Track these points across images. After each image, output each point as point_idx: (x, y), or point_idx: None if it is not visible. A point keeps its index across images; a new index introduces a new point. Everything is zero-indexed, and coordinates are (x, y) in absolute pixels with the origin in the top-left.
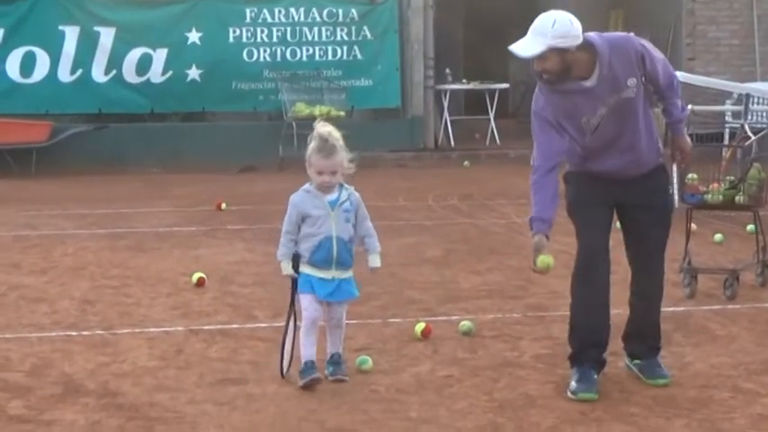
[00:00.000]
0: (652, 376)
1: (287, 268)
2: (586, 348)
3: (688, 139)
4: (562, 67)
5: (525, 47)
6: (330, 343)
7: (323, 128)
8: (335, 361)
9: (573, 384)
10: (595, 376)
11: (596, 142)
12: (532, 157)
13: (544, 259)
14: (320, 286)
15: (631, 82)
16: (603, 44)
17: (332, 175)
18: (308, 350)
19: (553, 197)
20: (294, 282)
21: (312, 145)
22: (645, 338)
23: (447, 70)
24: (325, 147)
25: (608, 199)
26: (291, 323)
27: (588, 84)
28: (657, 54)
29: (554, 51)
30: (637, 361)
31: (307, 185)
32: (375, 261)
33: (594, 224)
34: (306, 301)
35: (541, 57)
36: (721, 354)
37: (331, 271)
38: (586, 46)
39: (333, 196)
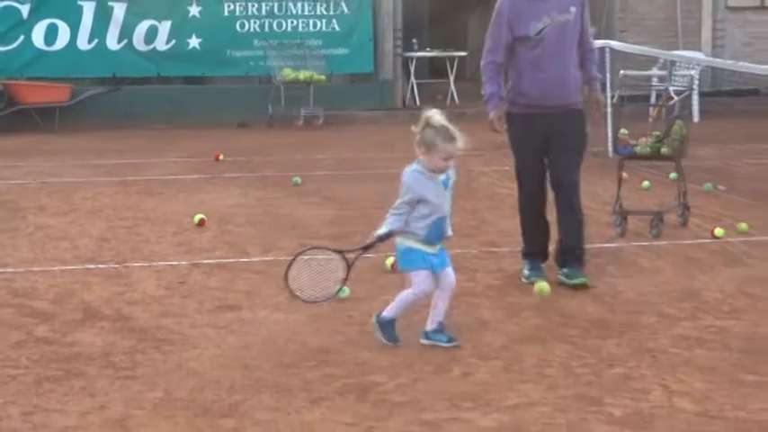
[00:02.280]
0: (573, 277)
1: (380, 231)
2: (532, 251)
3: (601, 96)
4: None
5: None
6: (442, 311)
7: (438, 116)
8: (443, 328)
9: (525, 272)
10: (542, 265)
11: (539, 47)
12: (484, 51)
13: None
14: (434, 261)
15: (572, 9)
16: None
17: (452, 159)
18: (401, 312)
19: (500, 83)
20: (379, 239)
21: (431, 133)
22: (571, 250)
23: (414, 40)
24: (449, 133)
25: (539, 138)
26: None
27: None
28: (588, 23)
29: None
30: (565, 269)
31: (417, 166)
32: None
33: (530, 162)
34: (422, 276)
35: None
36: (648, 284)
37: (437, 245)
38: None
39: (443, 176)
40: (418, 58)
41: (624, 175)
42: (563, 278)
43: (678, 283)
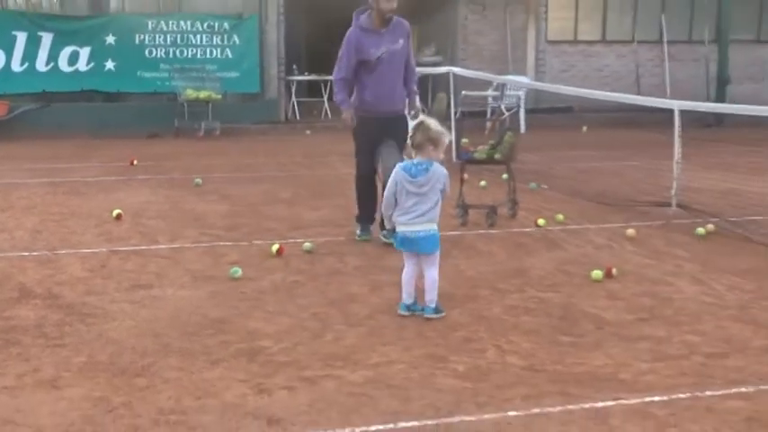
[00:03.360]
0: (390, 237)
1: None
2: (364, 216)
3: (418, 103)
4: (394, 14)
5: None
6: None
7: (432, 121)
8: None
9: (357, 232)
10: (370, 226)
11: (376, 69)
12: (335, 69)
13: None
14: None
15: (400, 42)
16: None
17: None
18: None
19: (348, 93)
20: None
21: (436, 130)
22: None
23: (294, 66)
24: (444, 130)
25: (374, 135)
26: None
27: (384, 30)
28: (412, 53)
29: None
30: (384, 231)
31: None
32: None
33: (366, 152)
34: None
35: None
36: (485, 264)
37: None
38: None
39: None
40: (298, 81)
41: (465, 176)
42: (383, 238)
43: (508, 263)
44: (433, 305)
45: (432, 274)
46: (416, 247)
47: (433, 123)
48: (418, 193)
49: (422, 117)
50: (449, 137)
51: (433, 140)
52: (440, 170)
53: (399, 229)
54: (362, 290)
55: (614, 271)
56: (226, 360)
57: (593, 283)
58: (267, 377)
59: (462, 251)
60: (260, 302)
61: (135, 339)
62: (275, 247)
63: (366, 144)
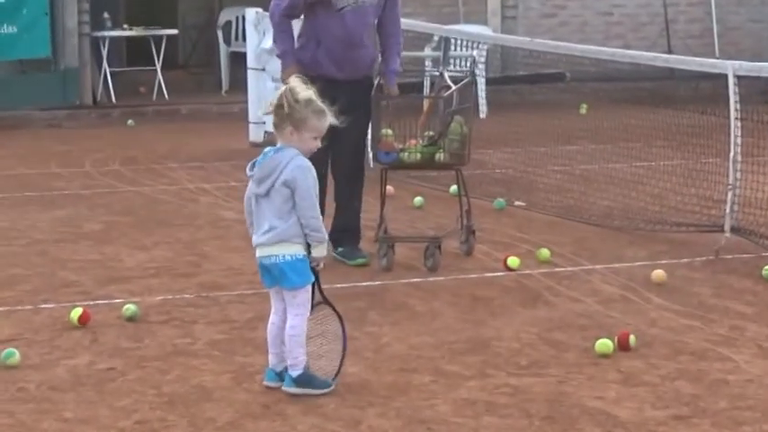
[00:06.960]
0: (353, 257)
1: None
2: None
3: (396, 87)
4: None
5: None
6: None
7: (308, 89)
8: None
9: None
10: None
11: (339, 22)
12: (274, 3)
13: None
14: None
15: None
16: None
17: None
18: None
19: (293, 40)
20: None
21: (305, 107)
22: (347, 230)
23: (105, 15)
24: (323, 109)
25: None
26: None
27: None
28: (400, 10)
29: None
30: (340, 249)
31: (298, 151)
32: None
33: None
34: (309, 292)
35: None
36: (422, 332)
37: None
38: None
39: None
40: (112, 39)
41: (390, 189)
42: (341, 258)
43: (462, 330)
44: (296, 373)
45: (293, 323)
46: (275, 279)
47: (303, 90)
48: (258, 195)
49: (291, 81)
50: (325, 113)
51: (293, 120)
52: (284, 157)
53: (256, 253)
54: (222, 380)
55: (632, 339)
56: None
57: (600, 359)
58: None
59: (385, 313)
60: (51, 405)
61: None
62: (77, 313)
63: None
